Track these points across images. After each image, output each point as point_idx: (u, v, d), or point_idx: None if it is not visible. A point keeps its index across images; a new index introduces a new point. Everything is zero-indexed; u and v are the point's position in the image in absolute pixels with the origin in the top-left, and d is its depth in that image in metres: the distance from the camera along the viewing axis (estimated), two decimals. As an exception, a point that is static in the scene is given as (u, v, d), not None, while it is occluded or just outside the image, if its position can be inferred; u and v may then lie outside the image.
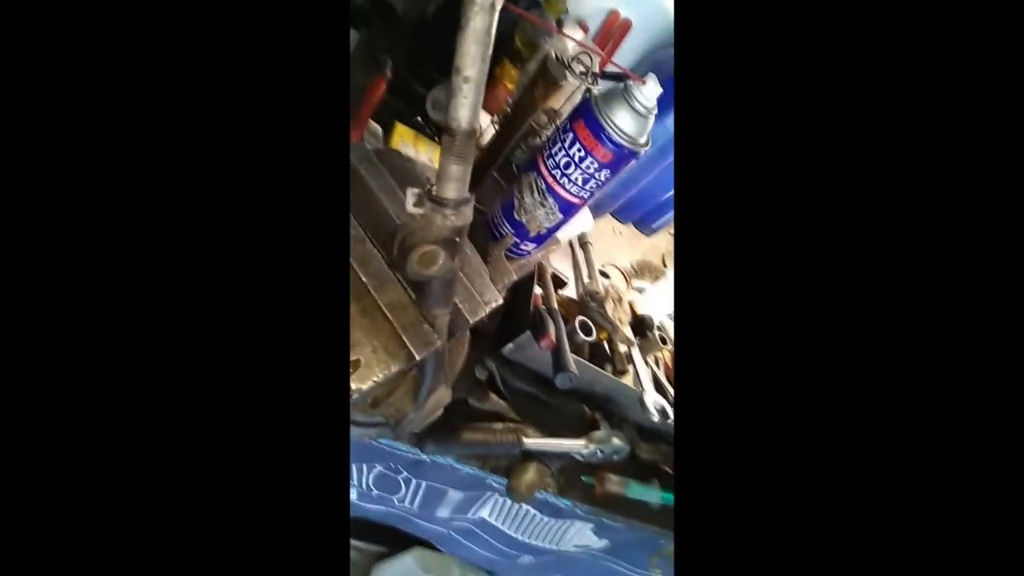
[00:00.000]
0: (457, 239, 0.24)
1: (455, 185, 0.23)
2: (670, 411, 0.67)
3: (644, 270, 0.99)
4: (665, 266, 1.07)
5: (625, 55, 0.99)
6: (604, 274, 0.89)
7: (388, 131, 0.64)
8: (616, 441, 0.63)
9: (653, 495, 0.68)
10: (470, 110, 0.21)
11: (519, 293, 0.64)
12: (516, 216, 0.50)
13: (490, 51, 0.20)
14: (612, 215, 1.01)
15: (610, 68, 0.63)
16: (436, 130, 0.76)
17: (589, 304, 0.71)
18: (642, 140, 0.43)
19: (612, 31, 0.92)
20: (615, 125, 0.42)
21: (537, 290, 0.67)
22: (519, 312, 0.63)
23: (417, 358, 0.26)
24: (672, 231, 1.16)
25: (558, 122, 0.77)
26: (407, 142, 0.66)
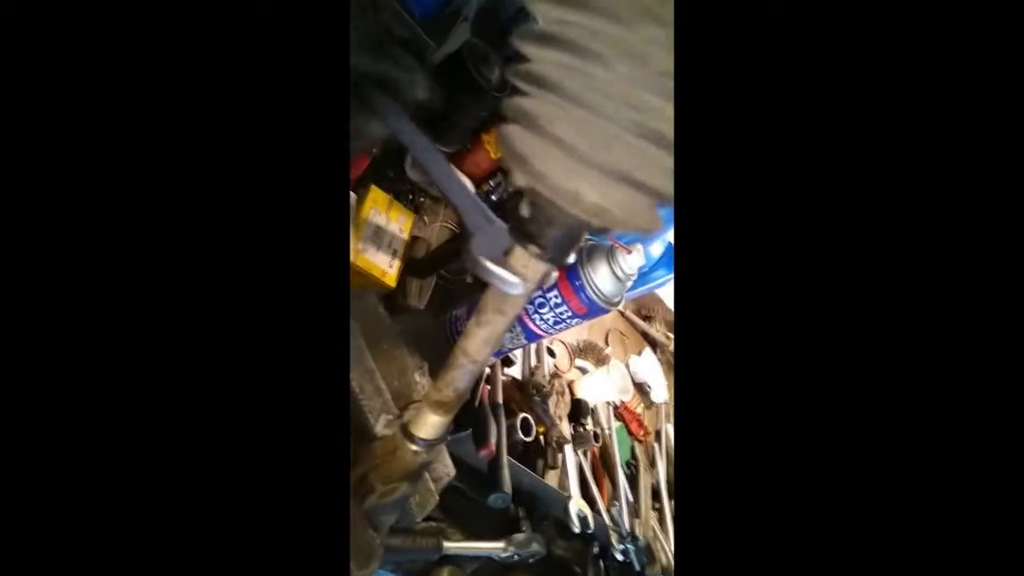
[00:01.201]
0: (423, 470, 0.23)
1: (432, 430, 0.22)
2: (591, 520, 0.68)
3: (588, 350, 1.01)
4: (607, 344, 1.10)
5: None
6: (551, 351, 0.90)
7: (362, 194, 0.61)
8: (535, 546, 0.63)
9: (560, 595, 0.69)
10: (465, 383, 0.20)
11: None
12: (480, 332, 0.48)
13: (495, 347, 0.19)
14: (568, 289, 1.03)
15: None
16: (412, 188, 0.73)
17: (533, 397, 0.71)
18: (616, 300, 0.43)
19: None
20: (594, 284, 0.42)
21: (485, 374, 0.67)
22: (464, 405, 0.62)
23: (357, 576, 0.24)
24: (620, 308, 1.21)
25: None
26: (379, 209, 0.62)
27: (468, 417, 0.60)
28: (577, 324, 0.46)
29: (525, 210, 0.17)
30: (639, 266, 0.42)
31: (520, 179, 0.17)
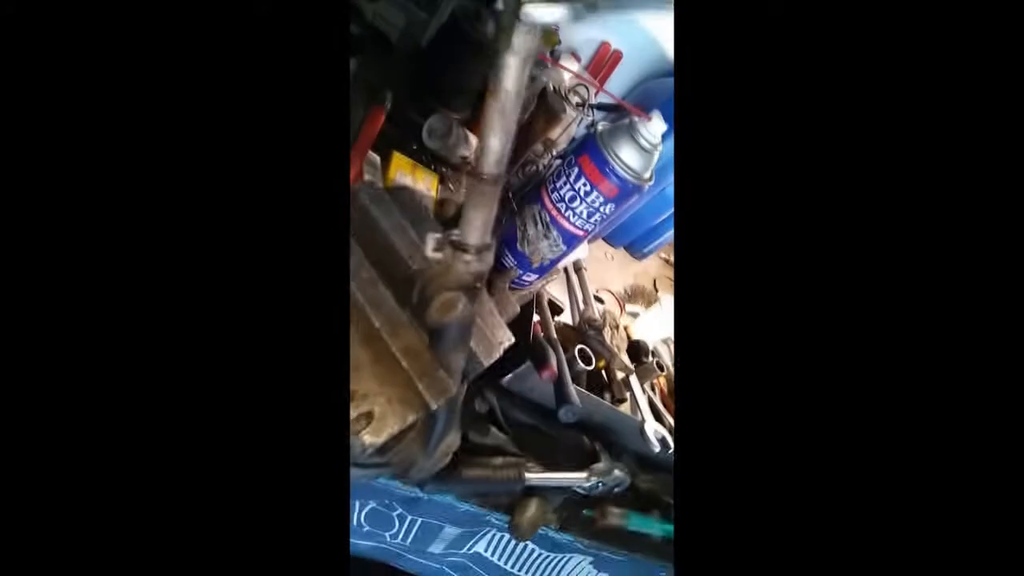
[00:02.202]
0: (478, 285, 0.24)
1: (478, 231, 0.22)
2: (670, 440, 0.66)
3: (637, 295, 1.00)
4: (656, 290, 1.08)
5: (616, 85, 1.01)
6: (599, 299, 0.89)
7: (386, 161, 0.64)
8: (617, 473, 0.62)
9: (654, 527, 0.67)
10: (496, 162, 0.20)
11: (518, 322, 0.63)
12: (519, 247, 0.49)
13: (519, 108, 0.19)
14: (604, 239, 1.02)
15: (608, 99, 0.64)
16: (432, 158, 0.76)
17: (587, 332, 0.71)
18: (647, 175, 0.43)
19: (604, 61, 0.94)
20: (621, 160, 0.42)
21: (535, 318, 0.67)
22: (519, 342, 0.62)
23: (433, 407, 0.25)
24: (663, 255, 1.18)
25: (555, 151, 0.77)
26: (405, 172, 0.65)
27: (524, 350, 0.60)
28: (611, 213, 0.46)
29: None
30: (662, 132, 0.41)
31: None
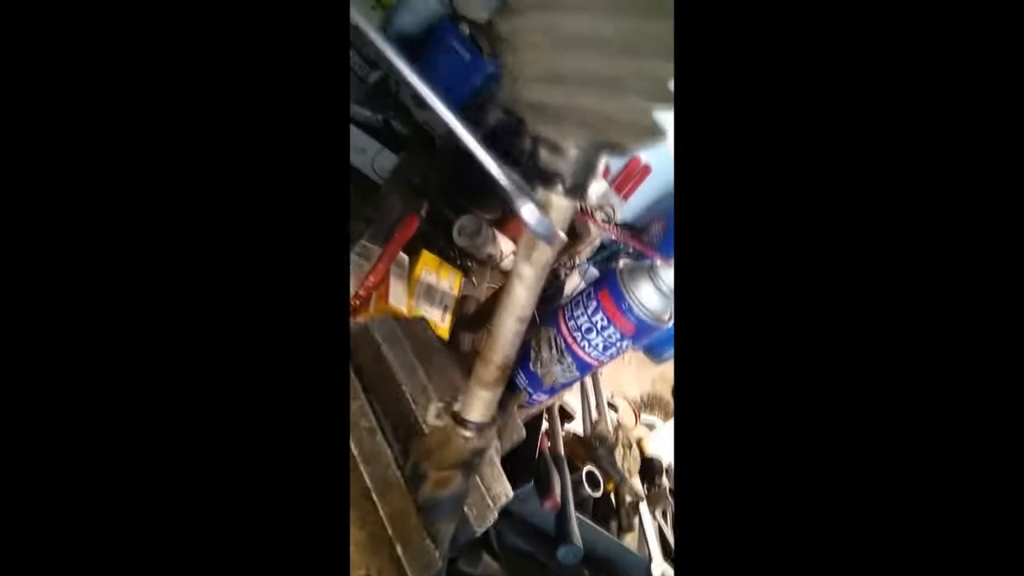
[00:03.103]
0: (477, 460, 0.23)
1: (481, 409, 0.22)
2: (680, 588, 0.60)
3: (654, 403, 0.96)
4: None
5: (641, 199, 1.04)
6: (612, 406, 0.86)
7: (414, 258, 0.66)
8: (618, 620, 0.56)
9: None
10: (509, 349, 0.20)
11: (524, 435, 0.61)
12: (532, 367, 0.48)
13: (534, 302, 0.20)
14: (623, 342, 1.00)
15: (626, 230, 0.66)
16: (460, 254, 0.78)
17: (598, 450, 0.67)
18: (666, 317, 0.43)
19: (632, 175, 0.98)
20: (639, 301, 0.42)
21: (543, 426, 0.64)
22: (523, 457, 0.60)
23: (416, 587, 0.23)
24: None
25: (578, 260, 0.79)
26: (431, 269, 0.67)
27: (529, 469, 0.57)
28: (627, 348, 0.45)
29: (537, 152, 0.19)
30: (682, 277, 0.41)
31: (515, 105, 0.19)
